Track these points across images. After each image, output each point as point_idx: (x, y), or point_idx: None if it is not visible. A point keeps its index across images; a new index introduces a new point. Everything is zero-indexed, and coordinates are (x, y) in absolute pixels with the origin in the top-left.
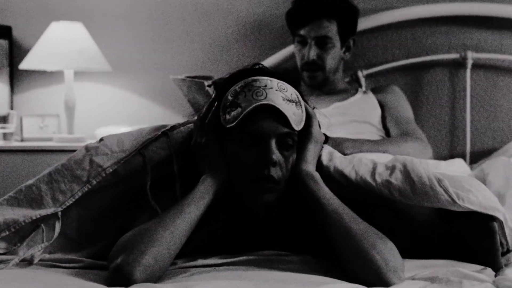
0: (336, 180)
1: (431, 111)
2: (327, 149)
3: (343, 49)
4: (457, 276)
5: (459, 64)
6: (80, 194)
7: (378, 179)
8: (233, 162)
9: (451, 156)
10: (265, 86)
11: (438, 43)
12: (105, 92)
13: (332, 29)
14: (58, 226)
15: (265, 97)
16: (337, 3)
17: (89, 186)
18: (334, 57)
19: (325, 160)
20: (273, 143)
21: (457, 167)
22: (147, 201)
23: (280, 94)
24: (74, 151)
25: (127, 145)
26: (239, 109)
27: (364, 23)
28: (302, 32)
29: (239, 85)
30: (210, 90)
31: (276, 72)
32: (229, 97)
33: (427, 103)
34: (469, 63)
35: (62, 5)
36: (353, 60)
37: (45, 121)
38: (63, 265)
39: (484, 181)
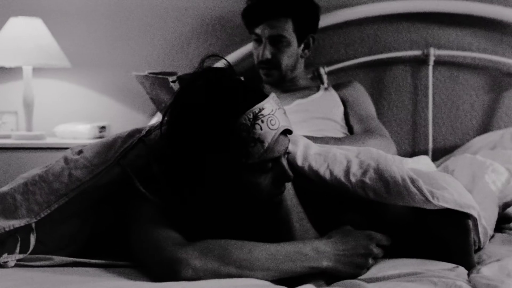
0: (311, 179)
1: (394, 108)
2: (302, 143)
3: (302, 47)
4: (430, 275)
5: (421, 61)
6: (56, 206)
7: (353, 179)
8: (249, 188)
9: (413, 153)
10: (272, 111)
11: (400, 40)
12: (64, 89)
13: (287, 28)
14: (33, 239)
15: (279, 123)
16: (292, 1)
17: (66, 199)
18: (290, 55)
19: (299, 158)
20: (284, 160)
21: (422, 164)
22: (124, 204)
23: (282, 111)
24: (33, 148)
25: (106, 157)
26: (261, 145)
27: (326, 20)
28: (257, 30)
29: (248, 117)
30: (175, 86)
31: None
32: (243, 134)
33: (390, 100)
34: (431, 60)
35: (21, 1)
36: (315, 57)
37: (3, 118)
38: (35, 263)
39: None
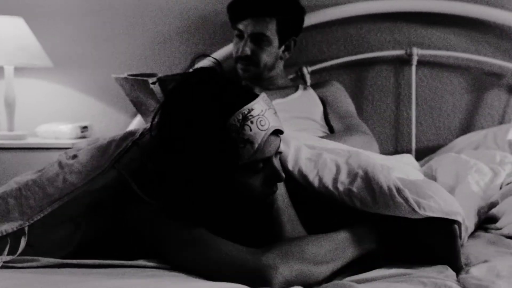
0: (301, 183)
1: (376, 107)
2: (294, 145)
3: (282, 48)
4: (420, 276)
5: (404, 61)
6: (50, 210)
7: (340, 187)
8: (241, 189)
9: (396, 152)
10: (261, 112)
11: (383, 39)
12: (46, 89)
13: (270, 27)
14: (23, 241)
15: (268, 124)
16: (280, 1)
17: (60, 203)
18: (269, 54)
19: (290, 162)
20: (276, 160)
21: (405, 162)
22: (121, 209)
23: (272, 111)
24: (14, 148)
25: (101, 161)
26: (251, 145)
27: (309, 19)
28: (240, 26)
29: (237, 118)
30: (155, 88)
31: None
32: (233, 135)
33: (373, 99)
34: (415, 59)
35: (2, 0)
36: (298, 56)
37: None
38: (22, 265)
39: (433, 176)
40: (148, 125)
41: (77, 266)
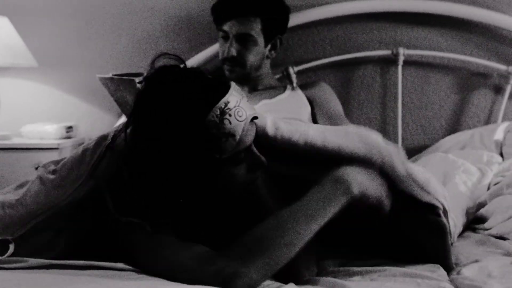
0: (281, 152)
1: (363, 107)
2: (269, 117)
3: (268, 47)
4: (414, 276)
5: (391, 61)
6: (33, 223)
7: (329, 145)
8: (224, 182)
9: None
10: (237, 103)
11: (369, 39)
12: (31, 89)
13: (255, 27)
14: (11, 248)
15: (245, 114)
16: (263, 0)
17: (43, 217)
18: (255, 54)
19: (270, 128)
20: (253, 147)
21: None
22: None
23: (245, 99)
24: None
25: (79, 172)
26: (232, 138)
27: (295, 19)
28: (225, 27)
29: (215, 114)
30: (141, 87)
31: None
32: (213, 131)
33: (359, 99)
34: (401, 59)
35: None
36: (284, 56)
37: None
38: (10, 266)
39: None
40: (119, 127)
41: (66, 267)
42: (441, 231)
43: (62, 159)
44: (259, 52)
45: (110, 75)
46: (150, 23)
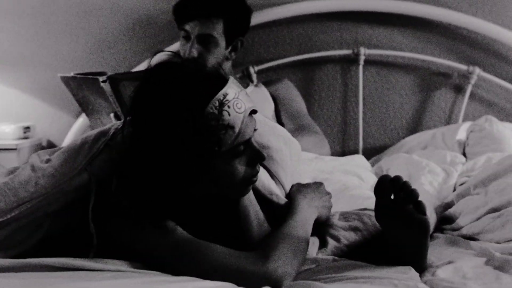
0: None
1: (323, 107)
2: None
3: (229, 49)
4: (390, 277)
5: (352, 60)
6: (17, 212)
7: None
8: (224, 177)
9: (343, 152)
10: (236, 95)
11: (330, 39)
12: None
13: (217, 28)
14: None
15: (245, 106)
16: (226, 1)
17: (29, 205)
18: (216, 56)
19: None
20: (253, 141)
21: (358, 162)
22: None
23: (244, 92)
24: None
25: (74, 164)
26: (232, 130)
27: (255, 18)
28: (186, 27)
29: (214, 106)
30: (105, 86)
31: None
32: (212, 123)
33: (319, 99)
34: (362, 59)
35: None
36: (244, 56)
37: None
38: None
39: None
40: (119, 125)
41: (36, 267)
42: (425, 229)
43: (57, 149)
44: (220, 54)
45: (72, 74)
46: (109, 23)
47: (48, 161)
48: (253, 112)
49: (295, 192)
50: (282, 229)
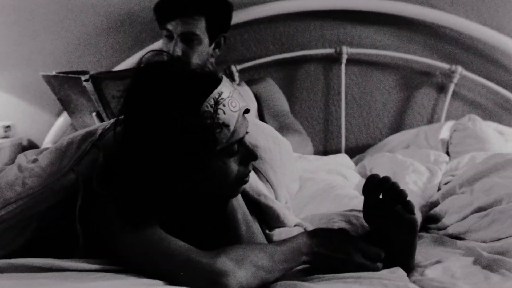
0: None
1: (306, 106)
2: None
3: (213, 46)
4: (379, 277)
5: (334, 59)
6: (3, 212)
7: None
8: (218, 176)
9: (326, 151)
10: (230, 93)
11: (312, 38)
12: None
13: (200, 26)
14: None
15: (239, 104)
16: None
17: (15, 206)
18: (200, 54)
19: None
20: (246, 140)
21: (342, 161)
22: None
23: (237, 91)
24: None
25: (61, 164)
26: (227, 129)
27: (237, 17)
28: (169, 26)
29: (209, 104)
30: (88, 85)
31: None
32: (208, 121)
33: (302, 98)
34: (344, 58)
35: None
36: (226, 54)
37: None
38: None
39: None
40: (107, 125)
41: (23, 268)
42: (414, 229)
43: (44, 149)
44: (203, 52)
45: (54, 73)
46: (91, 21)
47: (35, 161)
48: (246, 111)
49: (316, 233)
50: (263, 244)
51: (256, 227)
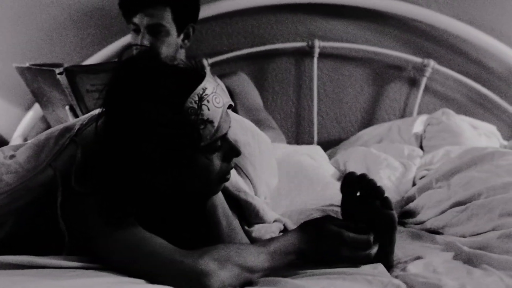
0: None
1: (278, 100)
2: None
3: (181, 37)
4: (364, 274)
5: (306, 53)
6: None
7: None
8: (201, 172)
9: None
10: (214, 89)
11: (284, 31)
12: None
13: (166, 16)
14: None
15: (222, 100)
16: None
17: None
18: (169, 45)
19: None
20: (229, 136)
21: (316, 151)
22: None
23: (220, 87)
24: None
25: (38, 161)
26: (211, 125)
27: (207, 10)
28: (135, 20)
29: (194, 100)
30: (61, 78)
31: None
32: (192, 118)
33: (273, 92)
34: (316, 51)
35: None
36: (197, 48)
37: None
38: None
39: (342, 170)
40: (84, 120)
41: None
42: (393, 224)
43: (21, 145)
44: (172, 43)
45: (27, 64)
46: (58, 14)
47: (12, 157)
48: (229, 107)
49: (302, 231)
50: (247, 244)
51: (236, 223)
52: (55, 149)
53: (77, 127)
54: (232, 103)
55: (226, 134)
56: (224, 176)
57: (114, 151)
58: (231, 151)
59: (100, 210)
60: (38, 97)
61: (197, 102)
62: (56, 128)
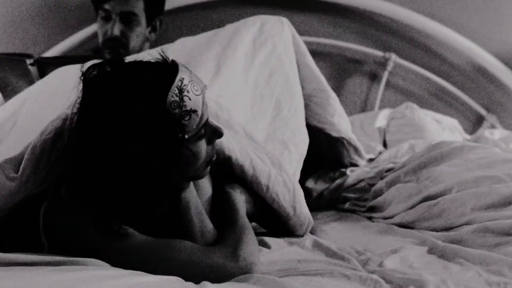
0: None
1: None
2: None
3: (149, 29)
4: (341, 269)
5: None
6: None
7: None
8: (191, 160)
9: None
10: (190, 77)
11: None
12: None
13: (139, 5)
14: None
15: (200, 86)
16: None
17: None
18: (138, 35)
19: (226, 148)
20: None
21: None
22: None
23: (194, 73)
24: None
25: (37, 177)
26: (195, 114)
27: (170, 3)
28: (107, 6)
29: (175, 93)
30: (32, 69)
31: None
32: (176, 111)
33: None
34: None
35: None
36: (158, 41)
37: None
38: None
39: None
40: (58, 123)
41: None
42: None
43: (17, 158)
44: (141, 33)
45: None
46: (17, 5)
47: (13, 179)
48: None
49: (229, 187)
50: (237, 221)
51: (208, 220)
52: (50, 162)
53: (66, 134)
54: (206, 85)
55: (208, 118)
56: (210, 159)
57: (98, 152)
58: (213, 133)
59: (96, 222)
60: (2, 86)
61: (178, 95)
62: (48, 135)
